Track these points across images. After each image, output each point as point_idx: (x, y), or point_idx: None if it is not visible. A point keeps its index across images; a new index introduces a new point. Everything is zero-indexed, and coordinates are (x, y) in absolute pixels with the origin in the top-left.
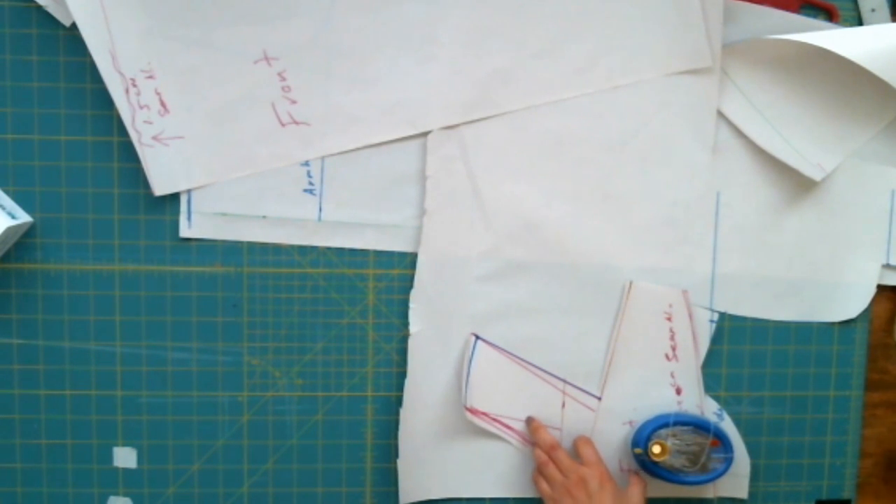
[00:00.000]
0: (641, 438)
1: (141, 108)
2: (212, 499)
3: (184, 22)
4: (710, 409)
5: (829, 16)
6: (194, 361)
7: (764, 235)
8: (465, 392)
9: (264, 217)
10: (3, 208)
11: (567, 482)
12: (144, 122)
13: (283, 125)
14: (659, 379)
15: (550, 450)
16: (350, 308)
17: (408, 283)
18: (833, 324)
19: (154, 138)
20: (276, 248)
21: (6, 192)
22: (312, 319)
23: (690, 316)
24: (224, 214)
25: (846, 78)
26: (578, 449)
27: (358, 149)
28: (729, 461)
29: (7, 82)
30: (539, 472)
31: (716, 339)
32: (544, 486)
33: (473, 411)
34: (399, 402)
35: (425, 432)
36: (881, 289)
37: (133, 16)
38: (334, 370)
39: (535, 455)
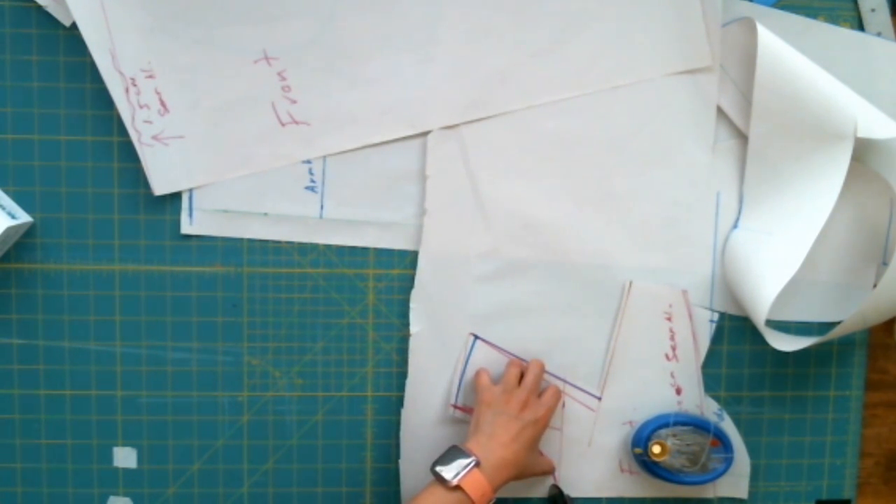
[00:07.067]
0: (641, 438)
1: (141, 107)
2: (212, 499)
3: (184, 21)
4: (710, 409)
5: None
6: (194, 361)
7: None
8: (457, 391)
9: (266, 214)
10: (3, 208)
11: (516, 392)
12: (144, 121)
13: (283, 125)
14: (659, 379)
15: (533, 377)
16: (350, 308)
17: (408, 283)
18: (832, 324)
19: (154, 138)
20: (277, 248)
21: (6, 192)
22: (312, 319)
23: (690, 316)
24: (225, 211)
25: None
26: (545, 391)
27: (359, 148)
28: (729, 461)
29: (7, 82)
30: (507, 367)
31: (716, 339)
32: (485, 379)
33: (464, 409)
34: (399, 402)
35: (427, 432)
36: None
37: (133, 15)
38: (334, 370)
39: (515, 362)
